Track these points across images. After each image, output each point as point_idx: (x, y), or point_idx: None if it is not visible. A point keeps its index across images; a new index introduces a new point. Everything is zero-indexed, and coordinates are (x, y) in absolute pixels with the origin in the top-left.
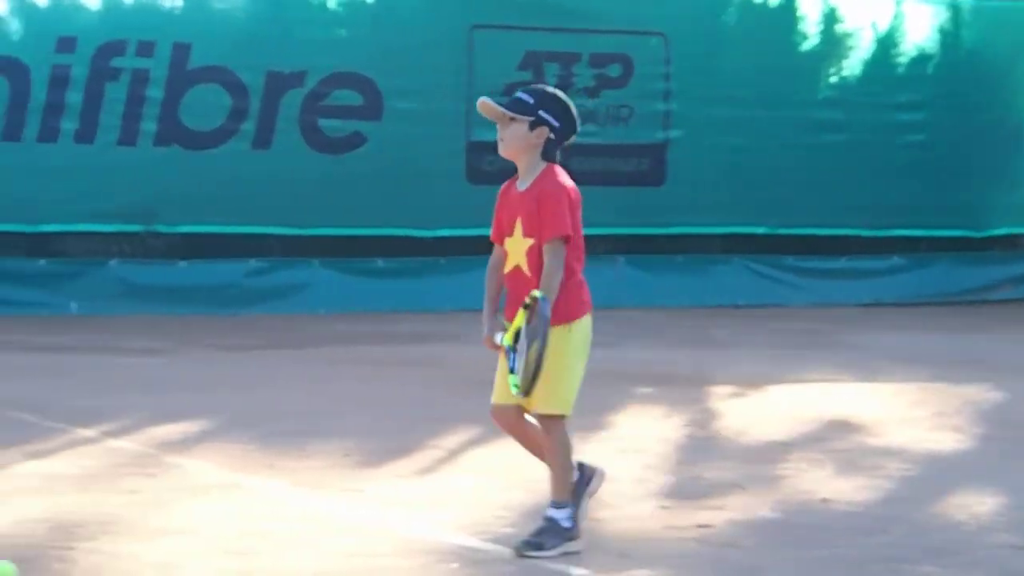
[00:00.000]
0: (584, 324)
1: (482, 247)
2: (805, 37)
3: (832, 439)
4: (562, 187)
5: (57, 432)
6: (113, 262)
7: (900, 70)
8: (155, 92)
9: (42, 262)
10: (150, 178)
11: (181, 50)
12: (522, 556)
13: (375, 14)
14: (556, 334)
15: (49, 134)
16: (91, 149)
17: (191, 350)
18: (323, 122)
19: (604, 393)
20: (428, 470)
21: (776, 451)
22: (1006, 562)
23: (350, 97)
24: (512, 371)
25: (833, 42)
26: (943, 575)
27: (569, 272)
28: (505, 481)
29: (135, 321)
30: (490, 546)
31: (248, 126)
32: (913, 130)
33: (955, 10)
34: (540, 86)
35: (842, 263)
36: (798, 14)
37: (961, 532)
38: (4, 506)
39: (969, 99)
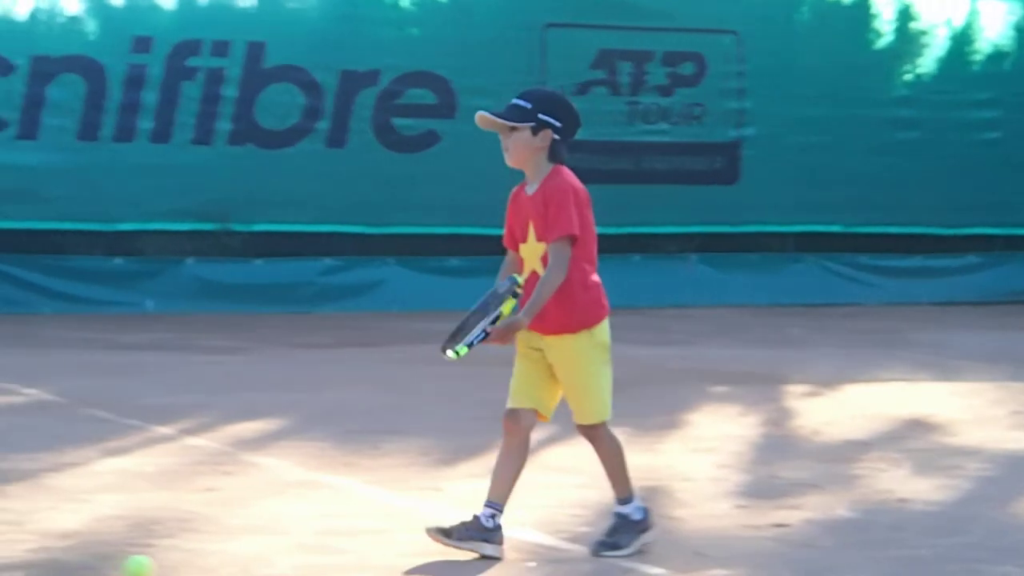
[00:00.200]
0: (604, 327)
1: None
2: (879, 34)
3: (909, 438)
4: (568, 186)
5: (134, 430)
6: (189, 260)
7: (975, 67)
8: (230, 91)
9: (119, 260)
10: (225, 177)
11: (255, 49)
12: (599, 556)
13: (448, 13)
14: (580, 340)
15: (125, 134)
16: (167, 148)
17: (266, 348)
18: (397, 121)
19: (680, 392)
20: None
21: (853, 450)
22: None
23: (424, 96)
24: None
25: (907, 40)
26: None
27: (581, 274)
28: (580, 479)
29: (210, 319)
30: (567, 545)
31: (322, 125)
32: (988, 128)
33: None
34: (535, 88)
35: (916, 261)
36: (872, 11)
37: None
38: (83, 503)
39: None
